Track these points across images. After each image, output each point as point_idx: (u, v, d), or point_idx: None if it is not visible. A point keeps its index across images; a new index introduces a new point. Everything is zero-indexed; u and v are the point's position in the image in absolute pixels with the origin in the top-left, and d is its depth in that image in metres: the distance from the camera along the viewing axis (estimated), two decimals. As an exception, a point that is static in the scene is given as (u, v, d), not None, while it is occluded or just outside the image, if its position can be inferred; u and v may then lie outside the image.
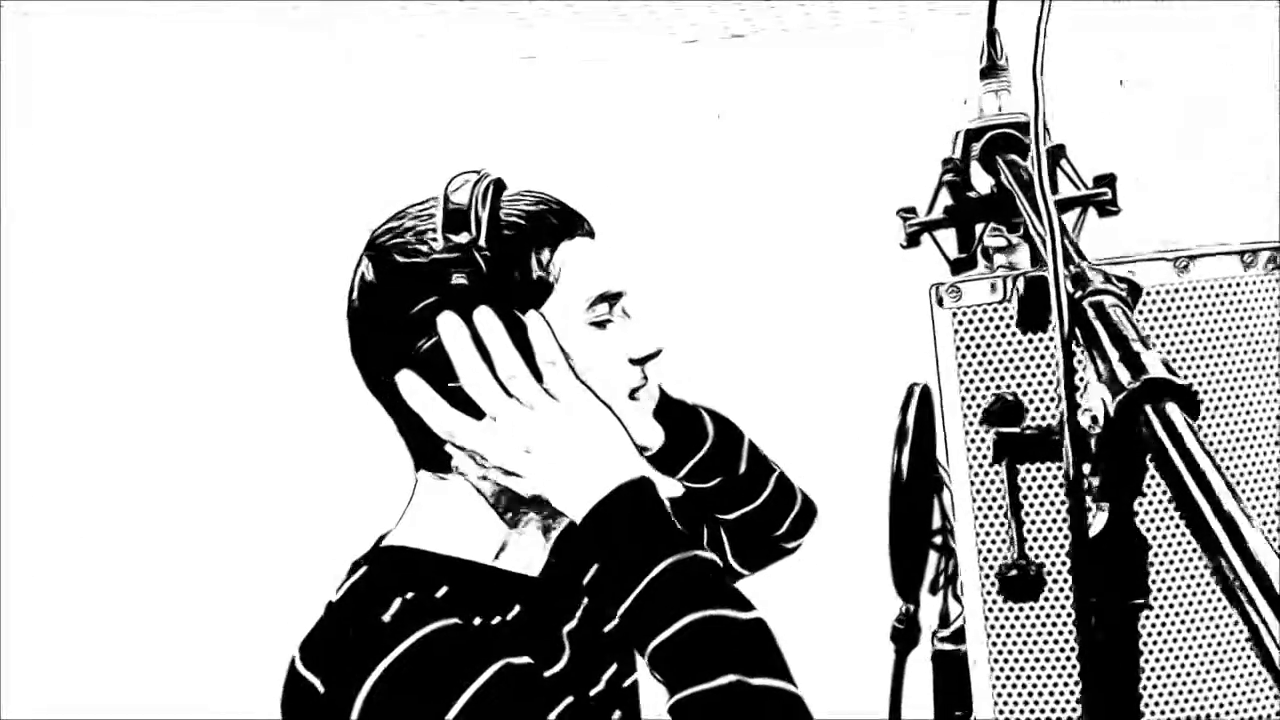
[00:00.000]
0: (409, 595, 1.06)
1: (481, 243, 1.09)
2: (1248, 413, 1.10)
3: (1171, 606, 1.06)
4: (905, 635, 1.38)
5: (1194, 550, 1.07)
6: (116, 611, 2.53)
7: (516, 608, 1.16)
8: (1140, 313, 1.10)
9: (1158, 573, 1.05)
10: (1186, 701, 1.06)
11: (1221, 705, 1.06)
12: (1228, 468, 1.11)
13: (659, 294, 2.97)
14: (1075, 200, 1.33)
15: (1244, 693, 1.07)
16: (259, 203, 2.63)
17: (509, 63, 2.94)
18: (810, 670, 1.53)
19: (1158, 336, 1.09)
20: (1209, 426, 1.10)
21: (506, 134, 2.88)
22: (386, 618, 1.02)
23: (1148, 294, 1.10)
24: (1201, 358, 1.09)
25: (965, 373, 1.05)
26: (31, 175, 2.61)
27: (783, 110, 2.93)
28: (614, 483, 1.06)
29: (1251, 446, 1.10)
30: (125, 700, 2.41)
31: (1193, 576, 1.06)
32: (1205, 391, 1.10)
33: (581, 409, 1.09)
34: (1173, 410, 0.68)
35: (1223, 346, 1.08)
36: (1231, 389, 1.09)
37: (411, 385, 1.10)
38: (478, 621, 1.10)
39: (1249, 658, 1.05)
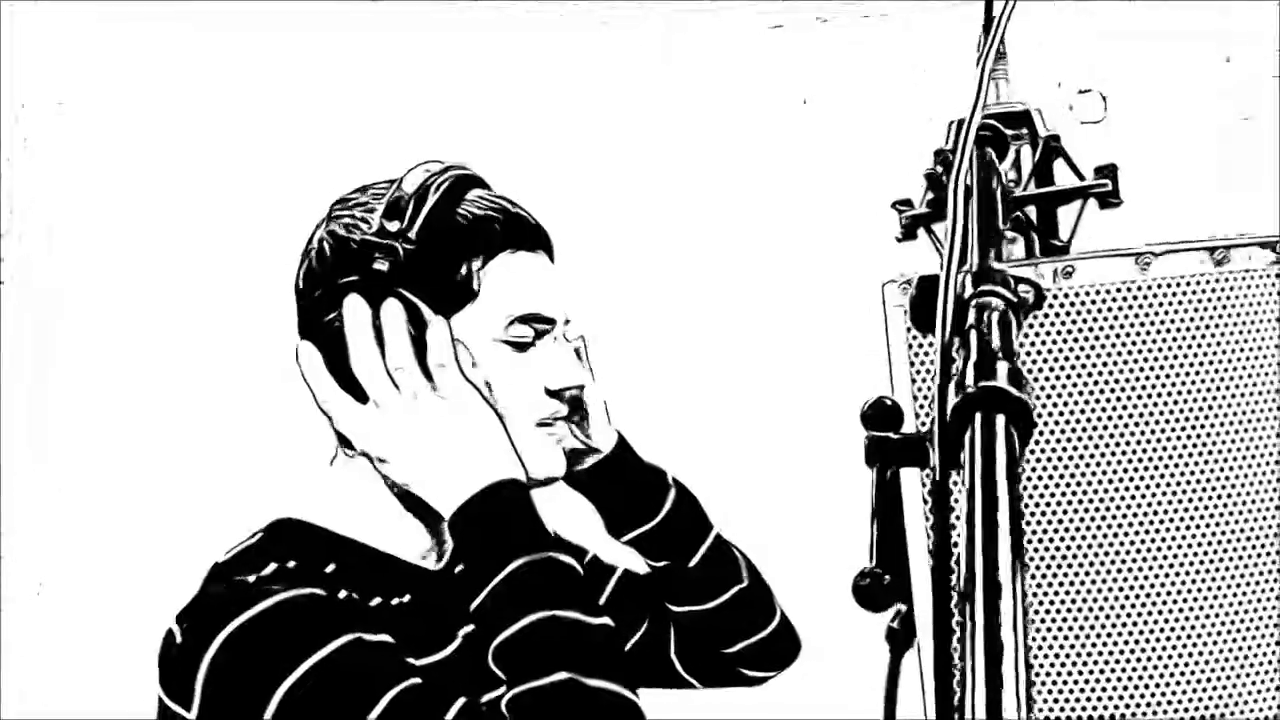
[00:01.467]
0: (289, 564, 1.08)
1: (411, 234, 1.10)
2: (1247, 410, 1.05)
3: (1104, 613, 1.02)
4: (900, 636, 1.36)
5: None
6: (118, 611, 2.54)
7: (407, 596, 1.15)
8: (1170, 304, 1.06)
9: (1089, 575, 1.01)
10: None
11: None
12: (1227, 464, 1.07)
13: (740, 279, 2.96)
14: (1074, 192, 1.29)
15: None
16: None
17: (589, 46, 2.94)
18: (807, 671, 1.52)
19: (1184, 328, 1.04)
20: (1207, 422, 1.05)
21: (583, 120, 2.89)
22: (251, 578, 1.04)
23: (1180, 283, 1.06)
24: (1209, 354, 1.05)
25: (916, 369, 1.03)
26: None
27: (869, 95, 2.88)
28: (483, 483, 1.06)
29: (1250, 443, 1.05)
30: (127, 702, 2.45)
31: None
32: (1200, 389, 1.05)
33: (464, 409, 1.09)
34: (999, 423, 0.65)
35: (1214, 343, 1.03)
36: (1226, 386, 1.05)
37: (307, 356, 1.11)
38: (377, 601, 1.11)
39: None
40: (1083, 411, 1.07)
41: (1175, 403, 1.03)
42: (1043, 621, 1.10)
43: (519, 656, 1.01)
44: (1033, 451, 1.07)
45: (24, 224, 2.60)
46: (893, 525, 0.76)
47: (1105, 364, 1.03)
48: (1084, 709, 1.05)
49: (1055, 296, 1.05)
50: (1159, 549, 1.03)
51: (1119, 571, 1.05)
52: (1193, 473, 1.04)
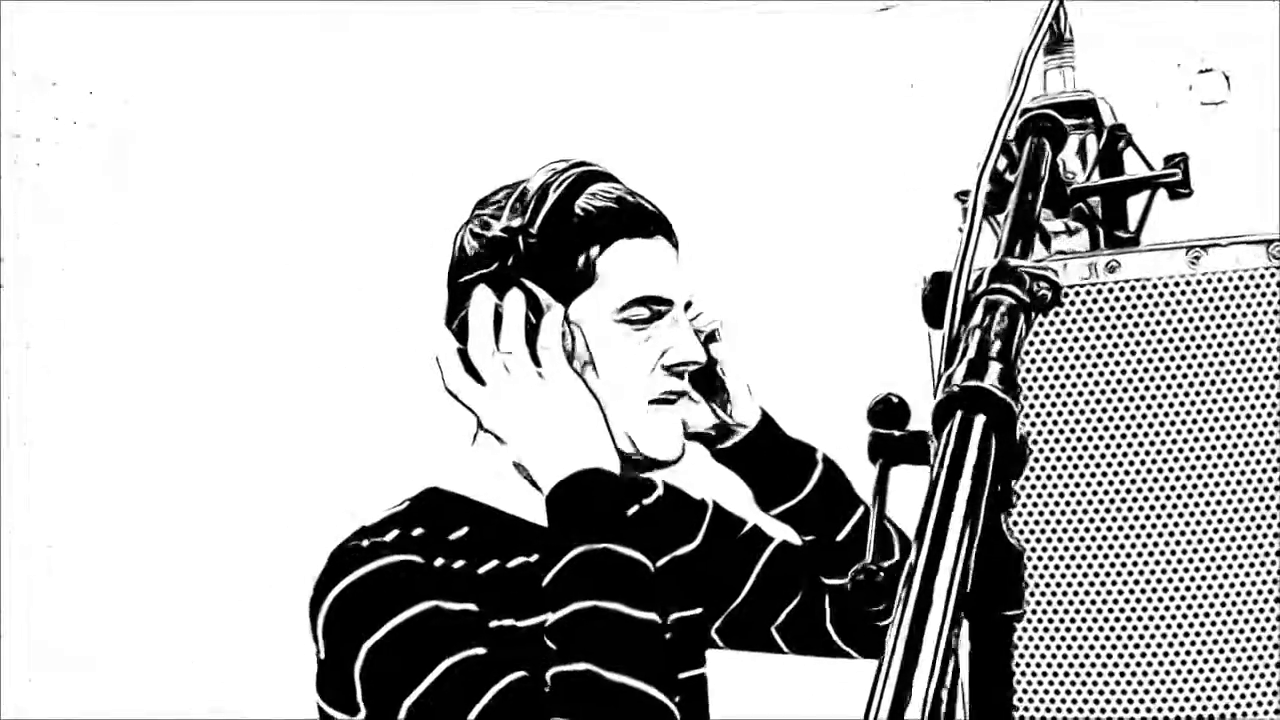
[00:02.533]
0: (414, 531, 1.17)
1: (533, 229, 1.18)
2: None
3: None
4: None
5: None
6: (122, 610, 2.60)
7: (534, 555, 1.22)
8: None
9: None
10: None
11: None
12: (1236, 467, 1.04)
13: (844, 263, 2.92)
14: (1139, 182, 1.26)
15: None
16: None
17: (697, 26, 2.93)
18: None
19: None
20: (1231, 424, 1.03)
21: (696, 106, 2.89)
22: (365, 543, 1.13)
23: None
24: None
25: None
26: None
27: (976, 80, 2.82)
28: (574, 468, 1.13)
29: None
30: (128, 702, 2.50)
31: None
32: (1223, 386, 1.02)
33: (565, 395, 1.16)
34: (976, 425, 0.65)
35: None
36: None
37: (444, 343, 1.21)
38: (493, 564, 1.19)
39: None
40: (1127, 405, 1.05)
41: (1224, 397, 1.00)
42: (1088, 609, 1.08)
43: (559, 640, 1.07)
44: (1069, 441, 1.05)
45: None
46: (880, 523, 0.76)
47: (1151, 358, 1.00)
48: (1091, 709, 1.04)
49: (1100, 291, 1.03)
50: (1200, 542, 1.00)
51: (1161, 569, 1.03)
52: (1240, 465, 1.01)
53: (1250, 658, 0.99)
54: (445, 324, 1.25)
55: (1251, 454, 0.98)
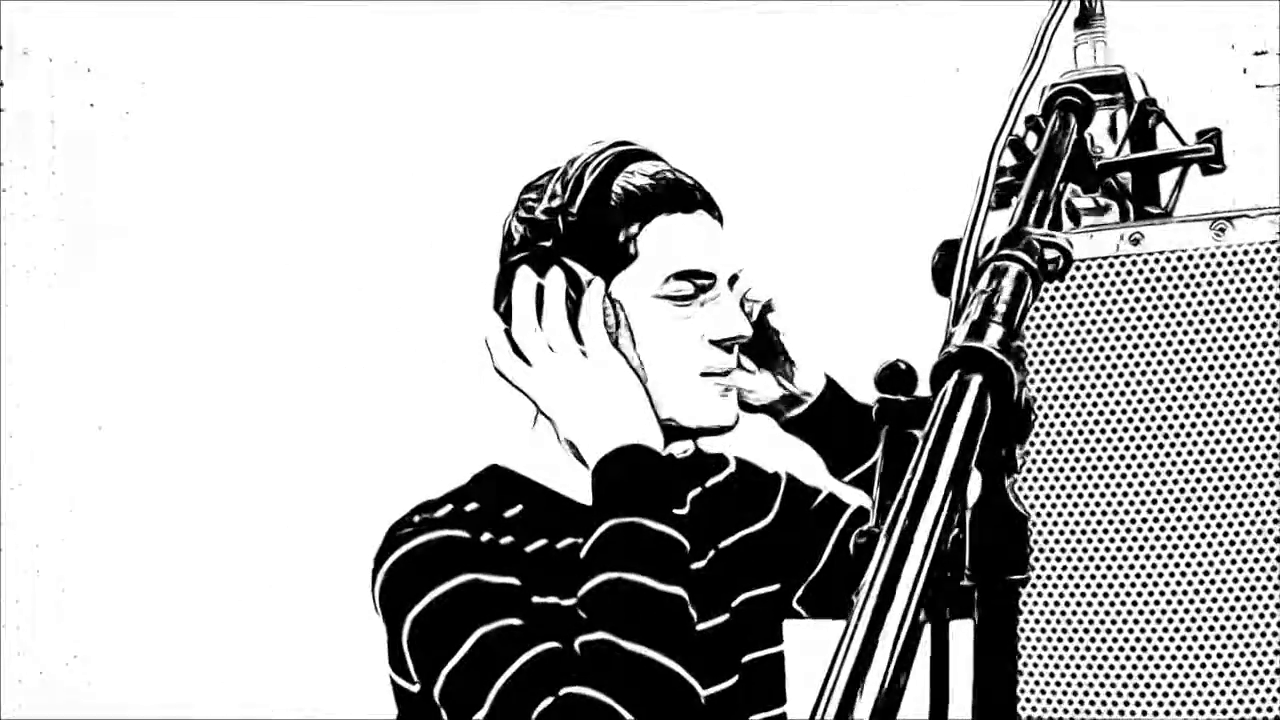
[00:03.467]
0: (468, 506, 1.20)
1: (573, 208, 1.20)
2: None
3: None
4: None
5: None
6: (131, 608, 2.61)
7: (583, 536, 1.22)
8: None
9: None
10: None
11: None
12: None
13: (891, 246, 2.89)
14: (1169, 157, 1.25)
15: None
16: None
17: (745, 16, 2.92)
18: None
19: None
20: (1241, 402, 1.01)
21: (739, 86, 2.88)
22: (417, 519, 1.17)
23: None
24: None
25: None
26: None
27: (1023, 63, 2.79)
28: (615, 444, 1.15)
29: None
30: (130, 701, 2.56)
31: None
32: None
33: (605, 371, 1.17)
34: (972, 385, 0.65)
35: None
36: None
37: (493, 326, 1.24)
38: (542, 543, 1.21)
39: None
40: (1149, 379, 1.04)
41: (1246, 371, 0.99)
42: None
43: (587, 610, 1.09)
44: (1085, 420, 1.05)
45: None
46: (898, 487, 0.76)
47: (1175, 331, 1.00)
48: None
49: (1124, 263, 1.02)
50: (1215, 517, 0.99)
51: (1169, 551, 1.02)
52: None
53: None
54: (494, 307, 1.27)
55: (1276, 436, 0.97)
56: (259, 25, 2.75)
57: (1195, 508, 0.98)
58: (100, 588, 2.53)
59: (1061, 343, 1.09)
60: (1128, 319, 1.02)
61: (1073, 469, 1.04)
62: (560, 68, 2.81)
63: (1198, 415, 1.00)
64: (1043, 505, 1.05)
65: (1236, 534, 0.98)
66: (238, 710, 2.43)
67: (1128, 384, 1.01)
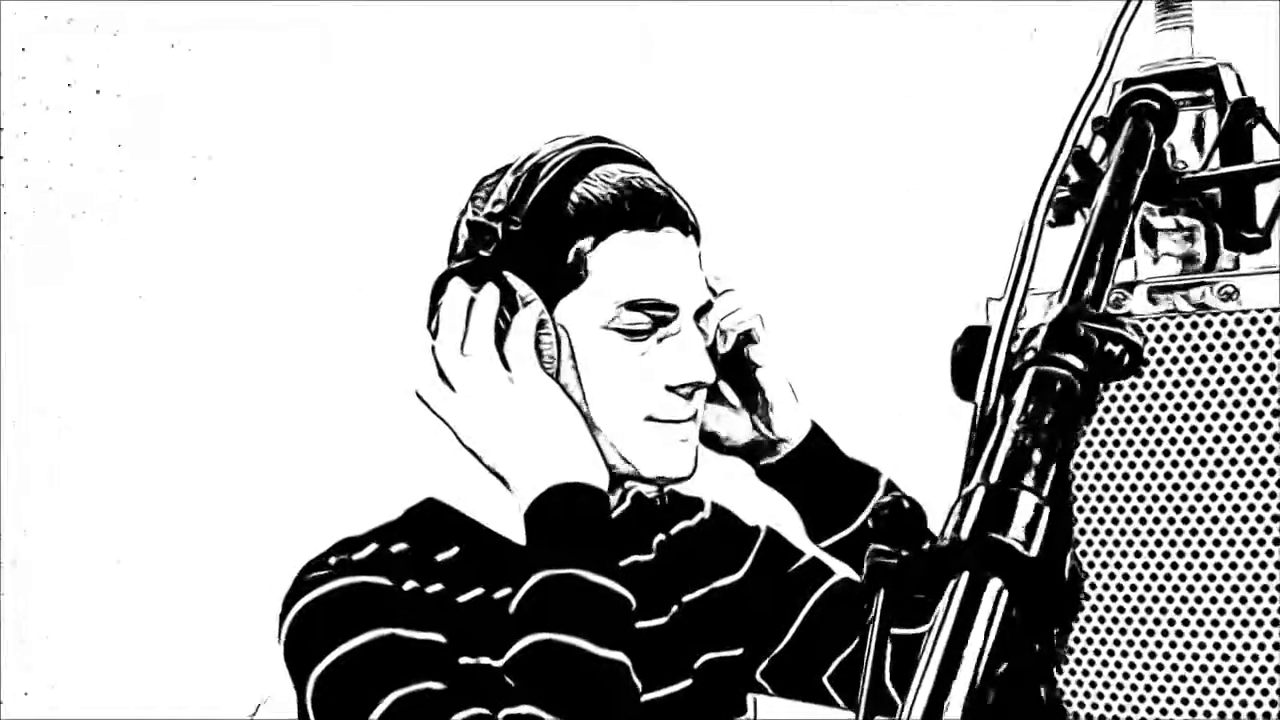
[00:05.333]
0: (394, 548, 1.04)
1: (518, 215, 1.02)
2: None
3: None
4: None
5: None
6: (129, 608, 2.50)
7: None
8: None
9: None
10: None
11: None
12: None
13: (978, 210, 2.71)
14: (1273, 169, 1.01)
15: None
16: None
17: (745, 16, 2.76)
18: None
19: None
20: None
21: (738, 86, 2.71)
22: (333, 560, 1.02)
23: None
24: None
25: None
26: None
27: (1103, 26, 2.55)
28: (549, 482, 0.99)
29: None
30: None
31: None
32: None
33: (535, 401, 1.01)
34: (989, 592, 0.45)
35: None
36: None
37: (429, 346, 1.06)
38: (478, 592, 1.05)
39: None
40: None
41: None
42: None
43: (514, 677, 0.93)
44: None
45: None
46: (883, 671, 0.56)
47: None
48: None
49: (1210, 323, 0.80)
50: None
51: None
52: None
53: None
54: (427, 324, 1.09)
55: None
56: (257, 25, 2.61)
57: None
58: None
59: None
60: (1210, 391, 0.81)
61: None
62: (560, 67, 2.67)
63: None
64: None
65: None
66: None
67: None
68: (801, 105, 2.79)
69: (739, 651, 1.18)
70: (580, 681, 0.92)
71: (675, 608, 1.14)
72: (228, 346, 2.58)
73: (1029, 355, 0.58)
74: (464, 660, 0.99)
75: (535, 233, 1.02)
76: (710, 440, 1.16)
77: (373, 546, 1.03)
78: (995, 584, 0.45)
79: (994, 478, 0.50)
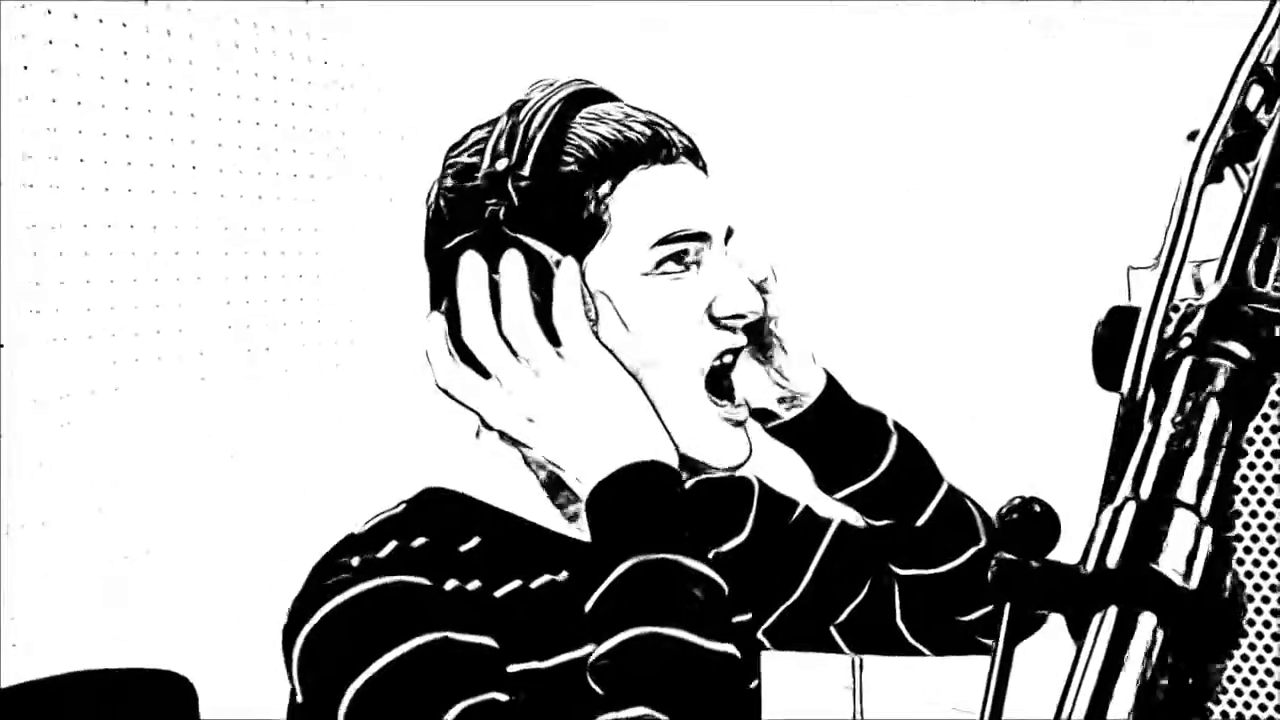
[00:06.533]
0: (414, 543, 0.94)
1: (524, 170, 0.93)
2: None
3: None
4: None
5: None
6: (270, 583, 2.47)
7: (564, 573, 0.99)
8: None
9: None
10: None
11: None
12: None
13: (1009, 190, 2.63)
14: None
15: None
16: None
17: (745, 16, 2.71)
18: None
19: None
20: None
21: (738, 85, 2.66)
22: (355, 560, 0.91)
23: None
24: None
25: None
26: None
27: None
28: (620, 462, 0.90)
29: None
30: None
31: None
32: None
33: (595, 373, 0.92)
34: (1141, 629, 0.39)
35: None
36: None
37: (431, 331, 0.96)
38: (515, 584, 0.97)
39: None
40: None
41: None
42: None
43: (608, 680, 0.83)
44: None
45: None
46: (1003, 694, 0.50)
47: None
48: None
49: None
50: None
51: None
52: None
53: None
54: (432, 306, 1.00)
55: None
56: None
57: None
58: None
59: None
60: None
61: None
62: (559, 67, 2.66)
63: None
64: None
65: None
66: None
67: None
68: (801, 105, 2.74)
69: (748, 616, 1.13)
70: (692, 677, 0.83)
71: None
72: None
73: (1184, 342, 0.51)
74: (512, 668, 0.92)
75: (547, 186, 0.94)
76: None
77: (392, 544, 0.94)
78: (1149, 621, 0.39)
79: (1145, 491, 0.44)
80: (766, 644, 1.17)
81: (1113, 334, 0.54)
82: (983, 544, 1.16)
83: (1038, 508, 0.52)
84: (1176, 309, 0.53)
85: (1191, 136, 1.03)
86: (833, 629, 1.16)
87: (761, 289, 1.04)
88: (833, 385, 1.11)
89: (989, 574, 0.53)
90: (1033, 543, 0.52)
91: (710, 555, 1.09)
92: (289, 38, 2.58)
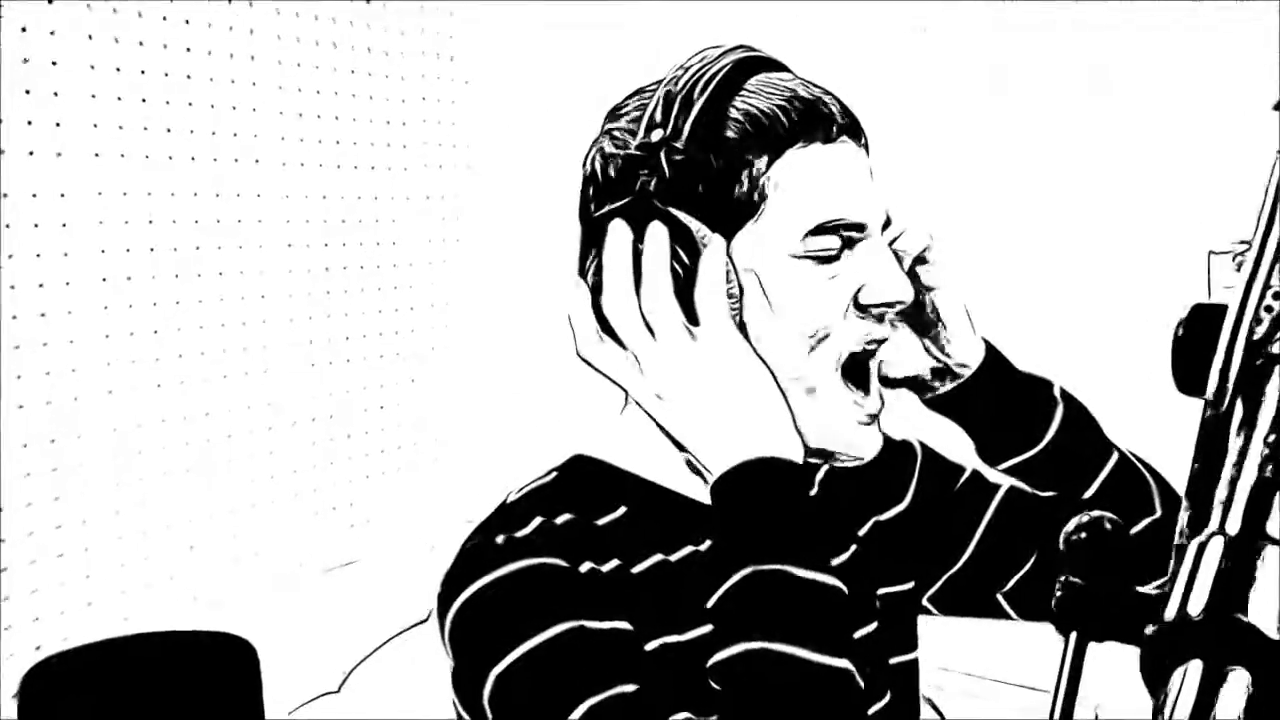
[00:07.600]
0: (559, 519, 0.94)
1: (679, 142, 0.92)
2: None
3: None
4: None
5: None
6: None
7: (706, 542, 0.97)
8: None
9: None
10: None
11: None
12: None
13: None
14: None
15: None
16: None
17: (745, 15, 2.65)
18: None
19: None
20: None
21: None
22: (500, 539, 0.91)
23: None
24: None
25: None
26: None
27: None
28: (741, 456, 0.88)
29: None
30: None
31: None
32: None
33: (725, 358, 0.90)
34: (1233, 686, 0.35)
35: None
36: None
37: (576, 298, 0.95)
38: (655, 559, 0.96)
39: None
40: None
41: None
42: None
43: (724, 684, 0.83)
44: None
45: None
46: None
47: None
48: None
49: None
50: None
51: None
52: None
53: None
54: (579, 272, 0.99)
55: None
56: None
57: None
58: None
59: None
60: None
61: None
62: (559, 67, 2.68)
63: None
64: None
65: None
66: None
67: None
68: (962, 91, 2.66)
69: (909, 585, 1.10)
70: (803, 695, 0.82)
71: (854, 546, 1.06)
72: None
73: (1278, 346, 0.47)
74: (650, 645, 0.92)
75: (701, 159, 0.92)
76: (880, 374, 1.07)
77: (537, 520, 0.94)
78: (1241, 678, 0.35)
79: (1233, 525, 0.39)
80: (933, 611, 1.14)
81: (1194, 334, 0.49)
82: (1158, 515, 1.12)
83: (1108, 525, 0.48)
84: (1270, 309, 0.48)
85: (1279, 106, 0.97)
86: (1000, 596, 1.13)
87: (921, 260, 1.03)
88: (994, 354, 1.08)
89: (1054, 600, 0.49)
90: (1103, 566, 0.48)
91: (869, 524, 1.08)
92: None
